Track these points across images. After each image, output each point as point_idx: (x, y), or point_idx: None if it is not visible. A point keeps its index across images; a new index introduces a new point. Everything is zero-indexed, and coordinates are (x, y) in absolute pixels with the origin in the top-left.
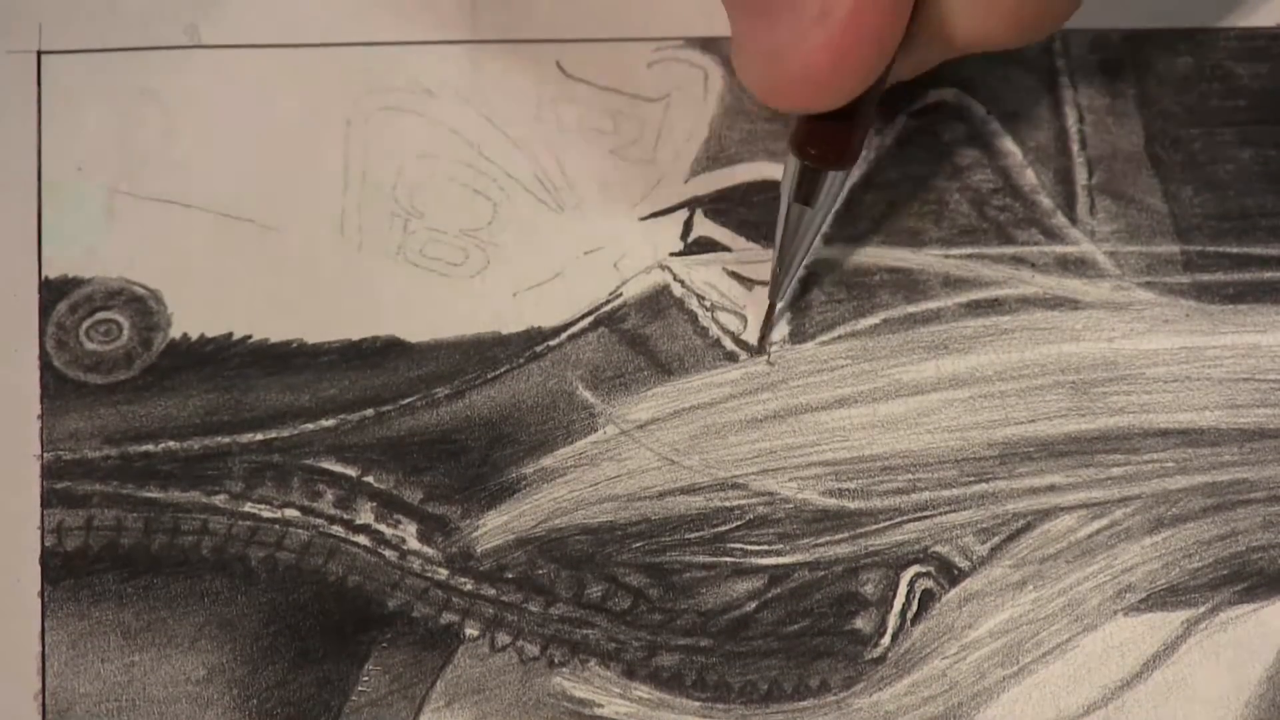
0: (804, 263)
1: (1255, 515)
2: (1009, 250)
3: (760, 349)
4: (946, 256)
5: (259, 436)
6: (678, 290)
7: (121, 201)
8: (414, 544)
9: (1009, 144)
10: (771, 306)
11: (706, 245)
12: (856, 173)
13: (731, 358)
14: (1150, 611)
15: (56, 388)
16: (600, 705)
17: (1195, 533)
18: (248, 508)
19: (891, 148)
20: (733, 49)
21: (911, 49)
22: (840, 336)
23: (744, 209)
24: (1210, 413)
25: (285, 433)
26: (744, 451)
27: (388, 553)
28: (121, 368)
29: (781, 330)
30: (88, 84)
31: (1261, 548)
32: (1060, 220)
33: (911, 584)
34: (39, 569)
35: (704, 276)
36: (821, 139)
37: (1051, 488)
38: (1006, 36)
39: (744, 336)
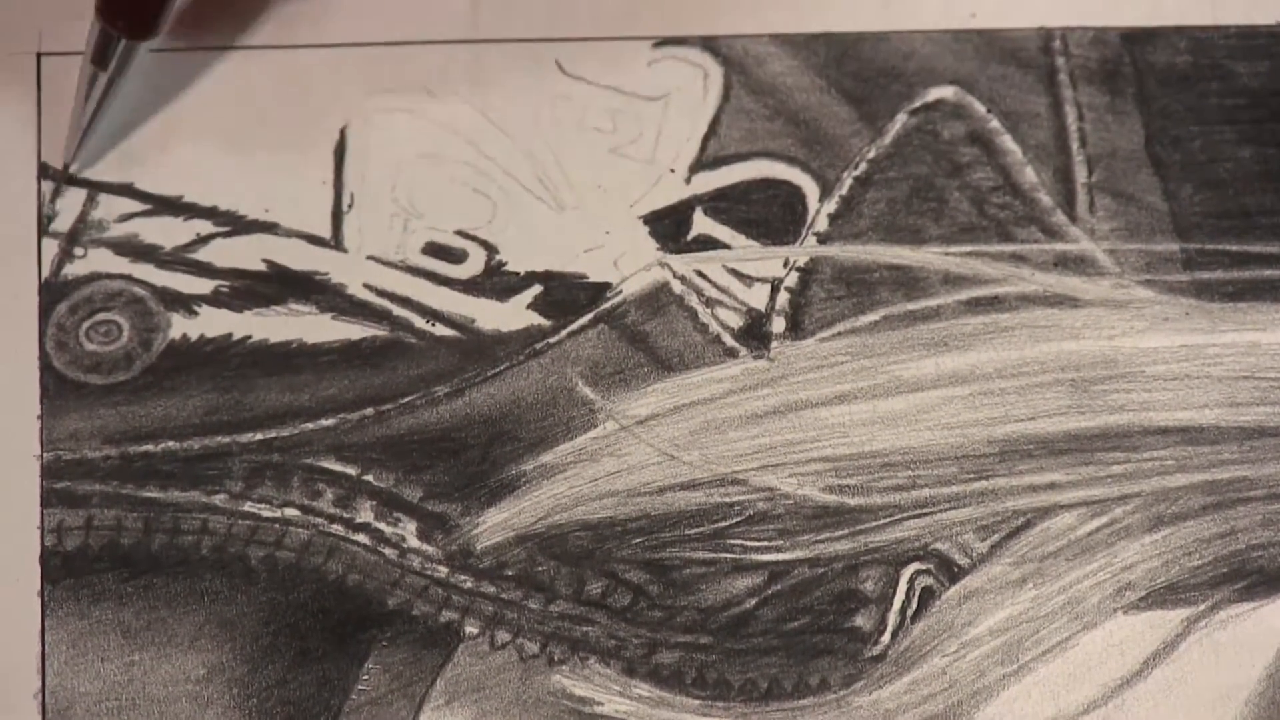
0: (92, 124)
1: (1255, 513)
2: (1009, 248)
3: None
4: (946, 254)
5: (259, 436)
6: (677, 287)
7: (121, 202)
8: (414, 542)
9: (1009, 142)
10: (66, 166)
11: (706, 243)
12: (848, 179)
13: (731, 354)
14: (1150, 609)
15: (56, 388)
16: (600, 703)
17: (1195, 531)
18: (247, 507)
19: (891, 146)
20: None
21: None
22: (840, 333)
23: (743, 207)
24: (1210, 411)
25: (285, 432)
26: (744, 447)
27: (387, 551)
28: (121, 368)
29: (781, 325)
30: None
31: (1261, 546)
32: (1060, 218)
33: (911, 581)
34: (39, 569)
35: (703, 273)
36: (124, 8)
37: (1051, 485)
38: None
39: (733, 326)
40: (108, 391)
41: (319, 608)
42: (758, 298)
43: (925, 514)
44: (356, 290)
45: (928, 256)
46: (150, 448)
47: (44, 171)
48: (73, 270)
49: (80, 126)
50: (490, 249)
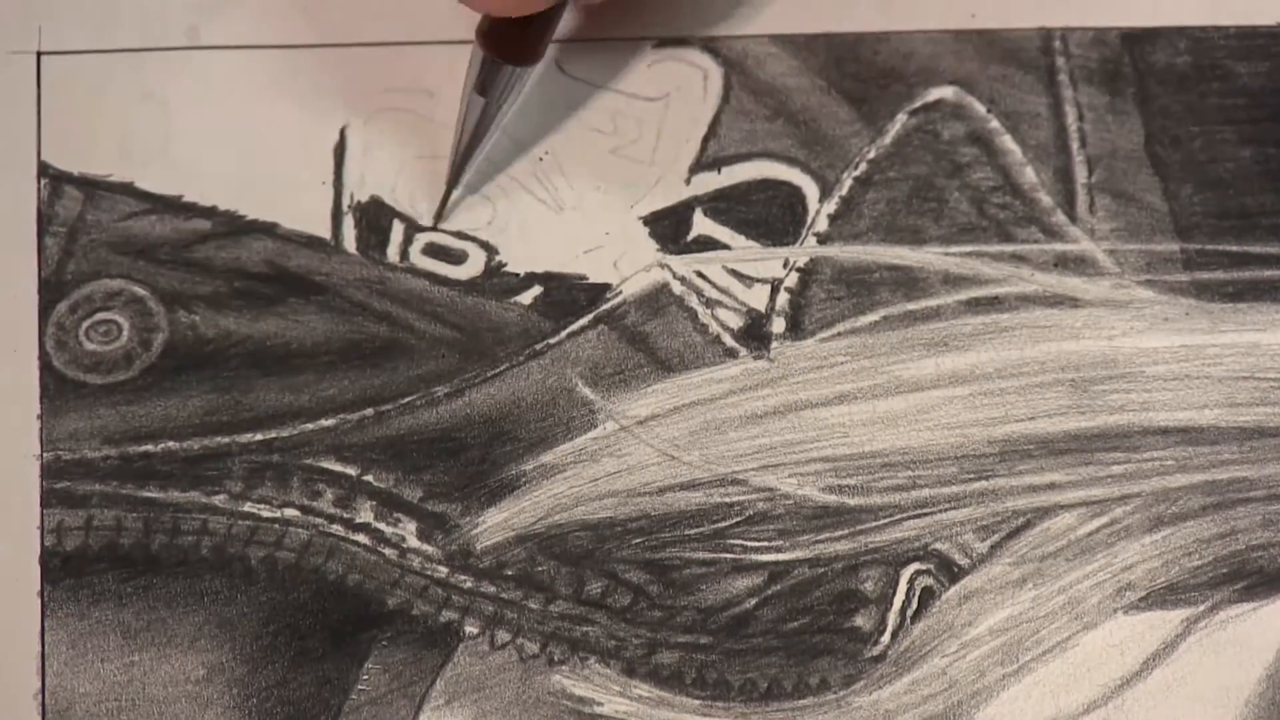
0: (478, 153)
1: (1255, 514)
2: (1009, 248)
3: (435, 224)
4: (946, 254)
5: (258, 436)
6: (677, 288)
7: (121, 202)
8: (413, 542)
9: (1009, 142)
10: (447, 192)
11: (706, 244)
12: (848, 179)
13: (731, 354)
14: (1150, 610)
15: (56, 388)
16: (600, 704)
17: (1195, 531)
18: (247, 507)
19: (891, 146)
20: None
21: None
22: (840, 333)
23: (743, 208)
24: (1210, 411)
25: (285, 432)
26: (744, 447)
27: (387, 551)
28: (121, 368)
29: (781, 326)
30: (87, 85)
31: (1261, 546)
32: (1060, 218)
33: (911, 581)
34: (39, 569)
35: (703, 274)
36: (508, 36)
37: (1051, 485)
38: None
39: (730, 325)
40: (107, 391)
41: (319, 608)
42: (758, 298)
43: (925, 514)
44: (356, 291)
45: (928, 257)
46: (150, 448)
47: (44, 170)
48: (73, 269)
49: (461, 149)
50: (490, 250)
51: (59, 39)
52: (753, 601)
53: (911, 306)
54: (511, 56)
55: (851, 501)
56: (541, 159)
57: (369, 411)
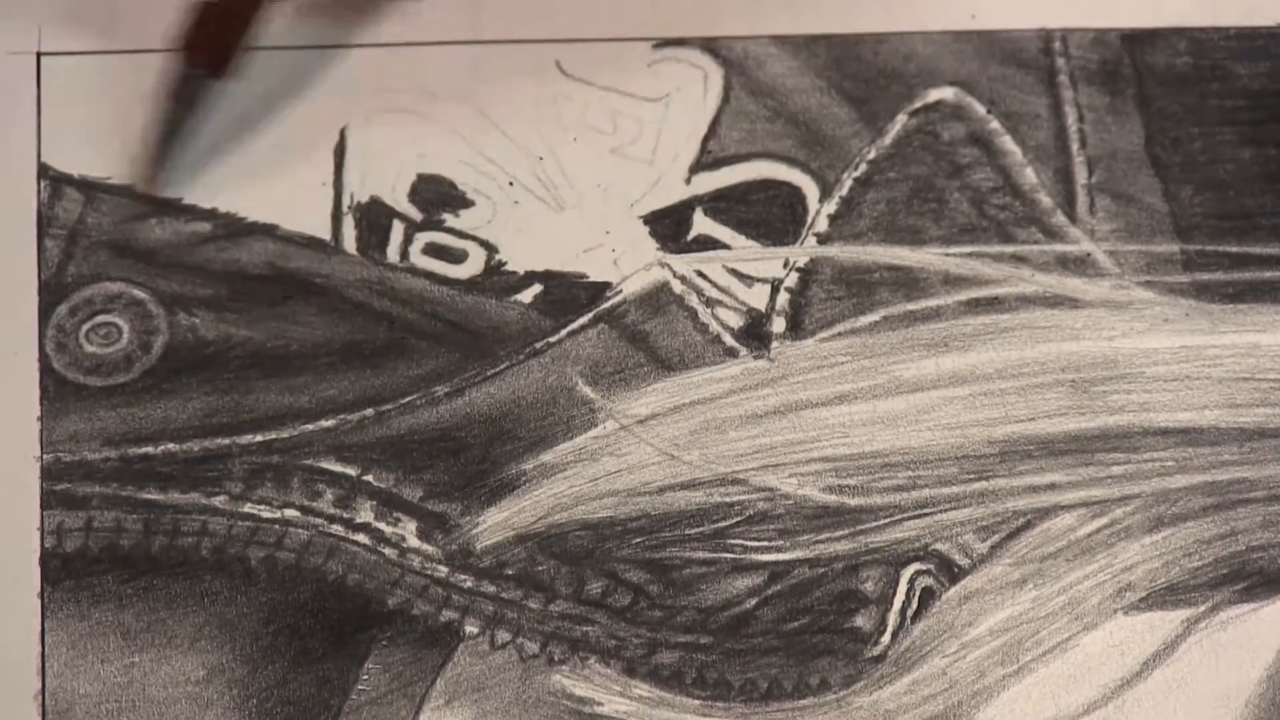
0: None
1: (1255, 514)
2: (1009, 249)
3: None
4: (946, 255)
5: (258, 437)
6: (677, 287)
7: (121, 204)
8: (414, 542)
9: (1009, 143)
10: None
11: (706, 243)
12: (849, 180)
13: (731, 353)
14: (1150, 610)
15: (56, 390)
16: (600, 703)
17: (1195, 532)
18: (247, 508)
19: (891, 147)
20: None
21: None
22: (840, 333)
23: (743, 207)
24: (1210, 412)
25: (285, 433)
26: (744, 447)
27: (387, 551)
28: (121, 370)
29: (781, 325)
30: (87, 85)
31: (1261, 547)
32: (1060, 219)
33: (912, 581)
34: (39, 570)
35: (704, 273)
36: (203, 46)
37: (1052, 486)
38: None
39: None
40: (107, 393)
41: (319, 608)
42: (758, 298)
43: (925, 514)
44: (356, 291)
45: (928, 257)
46: (150, 449)
47: (44, 172)
48: (73, 272)
49: (156, 158)
50: (490, 249)
51: (59, 40)
52: (753, 601)
53: (911, 307)
54: (211, 71)
55: (852, 501)
56: (541, 158)
57: (369, 411)
